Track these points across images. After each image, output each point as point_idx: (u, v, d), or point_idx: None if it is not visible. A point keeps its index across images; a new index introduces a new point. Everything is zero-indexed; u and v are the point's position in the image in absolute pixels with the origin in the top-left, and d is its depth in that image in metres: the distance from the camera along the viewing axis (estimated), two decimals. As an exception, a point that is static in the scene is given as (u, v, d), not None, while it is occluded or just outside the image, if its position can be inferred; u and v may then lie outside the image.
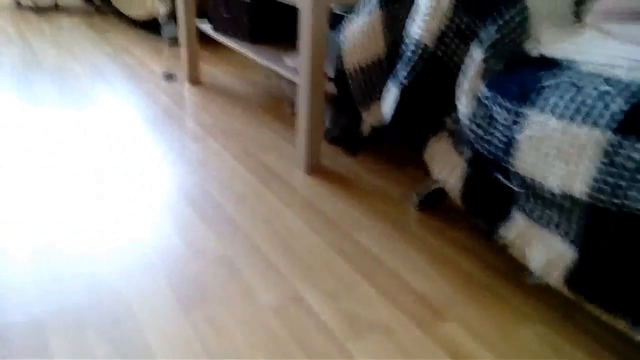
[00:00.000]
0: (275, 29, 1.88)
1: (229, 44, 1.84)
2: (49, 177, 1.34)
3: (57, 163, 1.42)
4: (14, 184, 1.30)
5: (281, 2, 1.84)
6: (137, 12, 2.86)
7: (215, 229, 1.16)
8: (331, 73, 1.28)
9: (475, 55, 0.90)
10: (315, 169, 1.48)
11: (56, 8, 3.54)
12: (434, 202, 1.32)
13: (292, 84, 1.85)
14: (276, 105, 1.98)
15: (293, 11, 1.89)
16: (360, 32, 1.14)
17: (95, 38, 2.80)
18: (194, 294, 0.96)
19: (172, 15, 2.70)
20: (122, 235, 1.12)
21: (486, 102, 0.87)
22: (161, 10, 2.60)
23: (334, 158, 1.56)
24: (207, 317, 0.91)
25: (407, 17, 1.09)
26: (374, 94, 1.19)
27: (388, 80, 1.11)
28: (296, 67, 1.53)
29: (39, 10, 3.44)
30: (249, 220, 1.21)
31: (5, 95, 1.89)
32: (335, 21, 1.45)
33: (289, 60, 1.58)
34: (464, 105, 0.91)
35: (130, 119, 1.75)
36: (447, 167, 1.03)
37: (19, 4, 3.56)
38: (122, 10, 3.10)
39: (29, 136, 1.57)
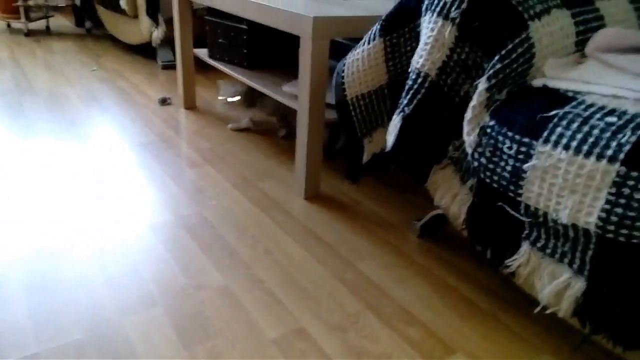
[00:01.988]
0: (271, 56, 1.89)
1: (225, 70, 1.85)
2: (43, 197, 1.32)
3: (50, 189, 1.39)
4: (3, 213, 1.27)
5: (277, 29, 1.85)
6: (131, 37, 2.86)
7: (215, 259, 1.14)
8: (332, 101, 1.28)
9: (479, 86, 0.90)
10: (315, 195, 1.47)
11: (48, 32, 3.54)
12: (434, 230, 1.32)
13: (280, 111, 1.85)
14: (272, 131, 1.97)
15: (289, 38, 1.90)
16: (361, 61, 1.15)
17: (88, 62, 2.80)
18: (195, 328, 0.94)
19: (167, 40, 2.71)
20: (121, 267, 1.09)
21: (491, 132, 0.88)
22: (156, 35, 2.61)
23: (333, 184, 1.56)
24: (210, 352, 0.88)
25: (409, 47, 1.10)
26: (376, 122, 1.19)
27: (394, 112, 1.11)
28: (294, 94, 1.53)
29: (30, 33, 3.43)
30: (250, 250, 1.19)
31: (-3, 121, 1.86)
32: (338, 50, 1.45)
33: (287, 87, 1.58)
34: (468, 135, 0.91)
35: (125, 144, 1.73)
36: (450, 195, 1.03)
37: (9, 27, 3.56)
38: (115, 35, 3.10)
39: (22, 164, 1.54)
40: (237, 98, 1.82)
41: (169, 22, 2.62)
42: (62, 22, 3.88)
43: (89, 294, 1.01)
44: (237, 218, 1.32)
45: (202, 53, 2.02)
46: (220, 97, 1.85)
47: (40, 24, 3.64)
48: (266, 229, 1.28)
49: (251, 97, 1.83)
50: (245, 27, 1.77)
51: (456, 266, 1.18)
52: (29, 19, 3.40)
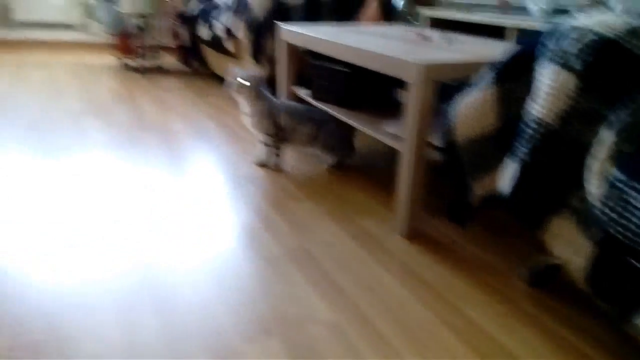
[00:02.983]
0: (366, 96, 1.95)
1: (327, 110, 1.93)
2: (155, 226, 1.44)
3: (161, 220, 1.51)
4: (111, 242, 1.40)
5: (373, 72, 1.92)
6: (233, 75, 3.07)
7: (322, 294, 1.18)
8: (438, 142, 1.30)
9: (605, 138, 0.89)
10: (415, 235, 1.48)
11: (158, 70, 3.88)
12: (546, 279, 1.28)
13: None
14: (369, 168, 2.02)
15: (383, 79, 1.96)
16: (472, 106, 1.17)
17: (195, 99, 3.03)
18: (308, 361, 0.97)
19: (270, 80, 2.88)
20: (236, 294, 1.17)
21: (619, 185, 0.86)
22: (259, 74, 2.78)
23: (432, 225, 1.56)
24: (324, 387, 0.91)
25: (523, 94, 1.10)
26: (486, 167, 1.19)
27: (505, 157, 1.12)
28: (396, 134, 1.57)
29: (143, 71, 3.78)
30: (354, 286, 1.22)
31: (113, 153, 2.07)
32: (445, 92, 1.48)
33: (388, 127, 1.63)
34: (594, 187, 0.89)
35: (229, 177, 1.85)
36: (571, 247, 1.00)
37: (126, 65, 3.94)
38: (220, 75, 3.33)
39: (136, 191, 1.69)
40: (247, 83, 1.86)
41: (271, 61, 2.78)
42: (171, 61, 4.24)
43: (210, 319, 1.08)
44: (339, 253, 1.37)
45: (304, 93, 2.13)
46: (234, 81, 1.87)
47: (151, 63, 4.01)
48: (368, 266, 1.31)
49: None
50: (348, 71, 1.85)
51: (570, 318, 1.14)
52: (141, 58, 3.76)
